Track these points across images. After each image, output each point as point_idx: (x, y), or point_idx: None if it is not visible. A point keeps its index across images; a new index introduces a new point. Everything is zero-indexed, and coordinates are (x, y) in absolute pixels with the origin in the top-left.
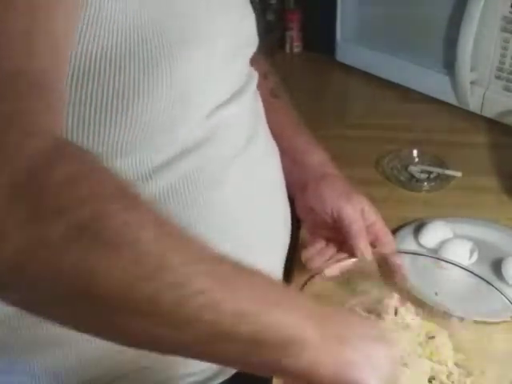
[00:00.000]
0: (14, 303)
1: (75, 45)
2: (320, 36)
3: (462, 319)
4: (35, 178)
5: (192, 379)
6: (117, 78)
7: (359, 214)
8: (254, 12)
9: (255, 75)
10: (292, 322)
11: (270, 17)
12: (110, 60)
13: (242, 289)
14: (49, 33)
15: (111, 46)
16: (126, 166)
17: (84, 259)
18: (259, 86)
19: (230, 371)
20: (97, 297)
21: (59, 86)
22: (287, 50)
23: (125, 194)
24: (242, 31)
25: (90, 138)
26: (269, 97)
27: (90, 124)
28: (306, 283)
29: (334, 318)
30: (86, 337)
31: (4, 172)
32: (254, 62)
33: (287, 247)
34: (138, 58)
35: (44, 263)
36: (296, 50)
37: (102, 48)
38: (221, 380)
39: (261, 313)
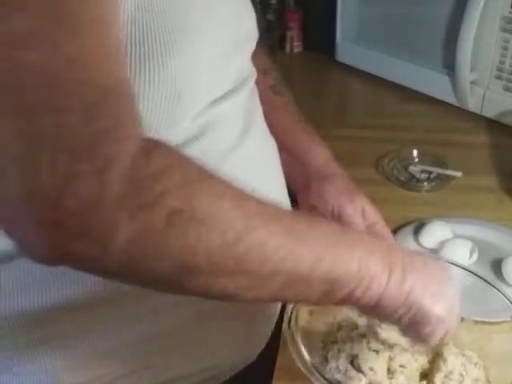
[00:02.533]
0: (127, 282)
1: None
2: (320, 36)
3: (462, 319)
4: (139, 171)
5: (193, 380)
6: None
7: (360, 213)
8: (255, 12)
9: (254, 71)
10: (361, 258)
11: (270, 17)
12: None
13: (313, 237)
14: (115, 40)
15: None
16: None
17: (185, 237)
18: (259, 83)
19: (230, 372)
20: (198, 267)
21: (132, 89)
22: (287, 49)
23: (205, 174)
24: (241, 27)
25: None
26: (270, 94)
27: None
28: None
29: (395, 251)
30: (88, 335)
31: (115, 174)
32: (254, 57)
33: None
34: (134, 51)
35: (153, 246)
36: (296, 49)
37: None
38: (221, 380)
39: (333, 255)
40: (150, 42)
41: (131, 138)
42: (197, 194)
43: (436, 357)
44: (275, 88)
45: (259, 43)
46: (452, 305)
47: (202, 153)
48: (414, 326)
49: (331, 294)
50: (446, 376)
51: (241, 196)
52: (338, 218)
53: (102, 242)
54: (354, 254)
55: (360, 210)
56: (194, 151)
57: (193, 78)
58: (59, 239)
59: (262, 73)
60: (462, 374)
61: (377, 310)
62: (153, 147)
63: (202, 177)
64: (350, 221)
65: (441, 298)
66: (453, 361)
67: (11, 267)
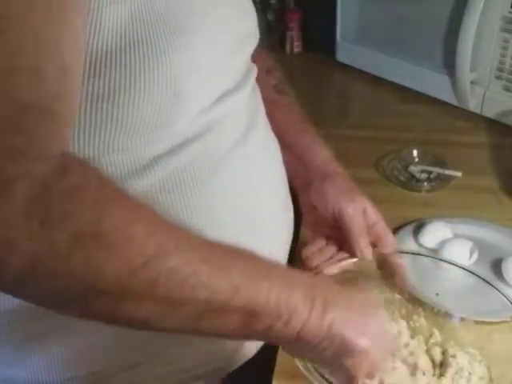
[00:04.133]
0: (31, 302)
1: (83, 62)
2: (320, 36)
3: (462, 319)
4: (47, 191)
5: (191, 373)
6: (111, 73)
7: (360, 213)
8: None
9: (254, 70)
10: (280, 292)
11: (270, 17)
12: (101, 56)
13: (232, 267)
14: (58, 60)
15: (104, 41)
16: (120, 161)
17: (88, 261)
18: (262, 82)
19: (231, 366)
20: (103, 291)
21: (70, 109)
22: (287, 49)
23: (121, 197)
24: (242, 28)
25: (82, 134)
26: (273, 93)
27: (82, 121)
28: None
29: (319, 283)
30: (86, 329)
31: (18, 192)
32: (256, 57)
33: (289, 244)
34: (130, 53)
35: (52, 269)
36: (296, 49)
37: (97, 41)
38: (222, 374)
39: (252, 286)
40: (149, 42)
41: (43, 158)
42: (106, 217)
43: (445, 353)
44: (278, 87)
45: (262, 44)
46: (376, 338)
47: (204, 152)
48: (338, 360)
49: (249, 327)
50: (456, 373)
51: (158, 222)
52: (338, 218)
53: (1, 255)
54: (274, 287)
55: (361, 209)
56: (196, 150)
57: (192, 78)
58: None
59: (264, 72)
60: (469, 372)
61: (299, 344)
62: (68, 167)
63: (117, 199)
64: (350, 220)
65: (364, 331)
66: (462, 357)
67: None
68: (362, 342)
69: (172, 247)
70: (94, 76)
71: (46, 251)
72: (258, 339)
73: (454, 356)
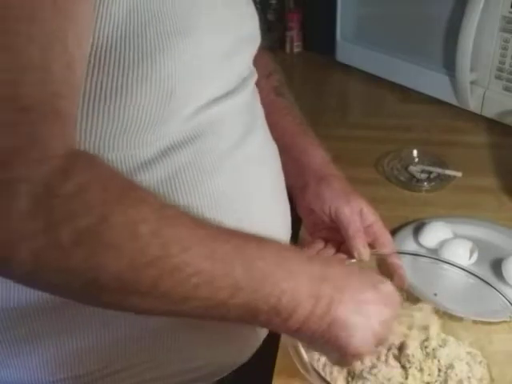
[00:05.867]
0: (40, 290)
1: (87, 57)
2: (320, 36)
3: (461, 319)
4: (51, 192)
5: (193, 375)
6: (105, 71)
7: (357, 214)
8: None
9: (255, 74)
10: (283, 291)
11: (270, 17)
12: (96, 54)
13: (237, 263)
14: (64, 57)
15: (98, 39)
16: (116, 159)
17: (89, 259)
18: (262, 85)
19: (231, 367)
20: (104, 287)
21: (74, 106)
22: (287, 49)
23: (127, 194)
24: (242, 30)
25: (82, 131)
26: (272, 95)
27: (79, 117)
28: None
29: (330, 273)
30: (79, 330)
31: (22, 194)
32: (258, 58)
33: (287, 241)
34: (128, 50)
35: (55, 264)
36: (296, 49)
37: (93, 40)
38: (222, 375)
39: (254, 285)
40: (143, 42)
41: (46, 159)
42: (111, 216)
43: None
44: (278, 90)
45: (264, 45)
46: (372, 343)
47: (202, 152)
48: (328, 352)
49: (248, 320)
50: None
51: (164, 218)
52: (335, 219)
53: (5, 253)
54: (277, 286)
55: (357, 210)
56: (193, 150)
57: (186, 79)
58: None
59: (265, 75)
60: (468, 377)
61: (296, 336)
62: (72, 167)
63: (124, 197)
64: (347, 221)
65: (363, 337)
66: (460, 367)
67: None
68: (356, 348)
69: (177, 247)
70: (88, 74)
71: (48, 249)
72: (260, 326)
73: (451, 367)
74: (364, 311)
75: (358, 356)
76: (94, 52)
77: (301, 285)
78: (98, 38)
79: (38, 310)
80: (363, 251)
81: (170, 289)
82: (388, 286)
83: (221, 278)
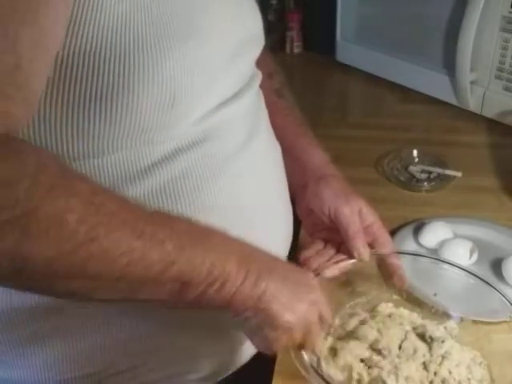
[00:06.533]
0: None
1: (61, 42)
2: (320, 36)
3: (461, 319)
4: None
5: (196, 375)
6: (106, 73)
7: (357, 214)
8: None
9: (259, 74)
10: (214, 261)
11: (271, 17)
12: (100, 53)
13: (168, 239)
14: (33, 33)
15: (102, 38)
16: (120, 160)
17: (16, 248)
18: (264, 86)
19: (233, 367)
20: (33, 274)
21: (33, 85)
22: (287, 50)
23: (58, 184)
24: (246, 31)
25: (77, 134)
26: (274, 97)
27: (77, 119)
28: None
29: (259, 255)
30: (86, 330)
31: None
32: (260, 60)
33: (289, 244)
34: (129, 52)
35: None
36: (296, 50)
37: (93, 41)
38: (224, 375)
39: (186, 257)
40: (145, 44)
41: None
42: (39, 207)
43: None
44: (279, 92)
45: (266, 46)
46: (303, 315)
47: (208, 156)
48: (260, 330)
49: (183, 295)
50: None
51: (94, 207)
52: (334, 220)
53: None
54: (208, 257)
55: (357, 210)
56: (199, 154)
57: (190, 81)
58: None
59: (267, 76)
60: (468, 378)
61: (229, 308)
62: (2, 158)
63: (53, 188)
64: (346, 221)
65: (292, 307)
66: (459, 372)
67: None
68: (287, 318)
69: (103, 230)
70: (88, 76)
71: None
72: (190, 307)
73: (450, 372)
74: (292, 287)
75: (290, 330)
76: (94, 53)
77: (231, 258)
78: (98, 39)
79: (42, 310)
80: (363, 251)
81: (99, 270)
82: (312, 279)
83: (152, 254)
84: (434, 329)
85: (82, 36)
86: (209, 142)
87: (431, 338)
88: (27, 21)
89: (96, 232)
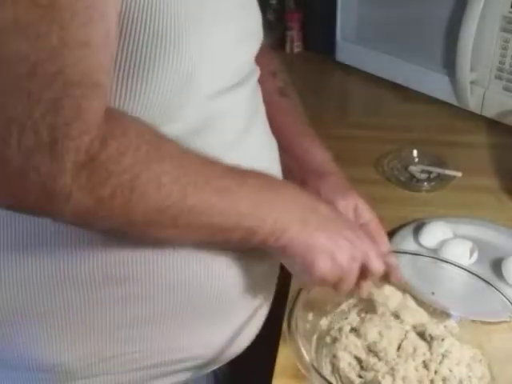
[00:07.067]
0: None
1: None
2: (320, 36)
3: (461, 319)
4: (92, 159)
5: (188, 364)
6: (125, 47)
7: (352, 210)
8: None
9: (257, 71)
10: (279, 216)
11: (271, 17)
12: (129, 23)
13: (242, 195)
14: (103, 28)
15: (133, 7)
16: None
17: (124, 206)
18: (267, 84)
19: (225, 358)
20: (135, 224)
21: (108, 77)
22: (287, 49)
23: (154, 151)
24: (246, 23)
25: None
26: (276, 96)
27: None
28: (303, 283)
29: (323, 209)
30: (84, 312)
31: (68, 161)
32: (263, 58)
33: None
34: (153, 28)
35: (98, 213)
36: (296, 50)
37: (124, 11)
38: (216, 366)
39: (256, 212)
40: (166, 25)
41: (88, 130)
42: (140, 174)
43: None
44: (283, 90)
45: (269, 44)
46: (340, 268)
47: (203, 146)
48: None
49: (248, 241)
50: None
51: (183, 169)
52: None
53: (55, 205)
54: (274, 212)
55: (352, 207)
56: (197, 144)
57: (203, 65)
58: (21, 197)
59: (271, 74)
60: (469, 376)
61: (281, 254)
62: (109, 136)
63: (150, 155)
64: None
65: (336, 261)
66: (459, 371)
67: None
68: (321, 269)
69: (192, 189)
70: (129, 45)
71: (91, 202)
72: (250, 250)
73: (451, 370)
74: (337, 242)
75: (322, 276)
76: (122, 23)
77: (294, 212)
78: (139, 11)
79: (46, 289)
80: None
81: (188, 221)
82: (361, 232)
83: (229, 209)
84: (434, 327)
85: (126, 6)
86: (204, 134)
87: (431, 337)
88: None
89: (186, 192)
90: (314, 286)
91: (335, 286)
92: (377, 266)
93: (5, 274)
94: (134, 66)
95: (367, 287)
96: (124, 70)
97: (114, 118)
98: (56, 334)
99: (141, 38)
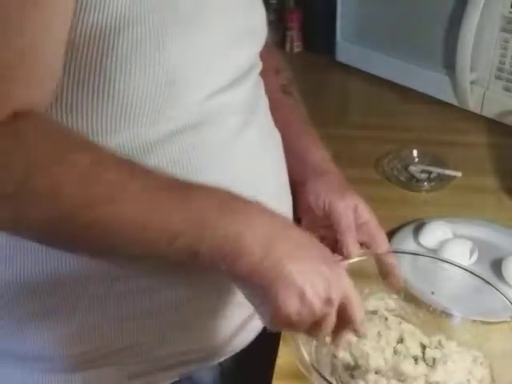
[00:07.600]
0: None
1: (72, 20)
2: (320, 36)
3: (461, 319)
4: None
5: (194, 356)
6: (110, 51)
7: (351, 210)
8: None
9: (259, 66)
10: (234, 231)
11: (271, 17)
12: (105, 32)
13: (174, 210)
14: (43, 10)
15: (108, 16)
16: (118, 140)
17: (18, 214)
18: (270, 82)
19: (232, 350)
20: (35, 231)
21: (52, 62)
22: (287, 49)
23: (59, 153)
24: (246, 21)
25: (85, 112)
26: (279, 93)
27: (84, 98)
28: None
29: (288, 235)
30: (89, 307)
31: None
32: (266, 55)
33: None
34: (133, 32)
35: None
36: (296, 49)
37: (98, 21)
38: (222, 358)
39: (193, 232)
40: (146, 28)
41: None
42: (35, 174)
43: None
44: (286, 88)
45: (273, 42)
46: (311, 311)
47: (202, 140)
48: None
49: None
50: None
51: (96, 173)
52: (328, 214)
53: None
54: (232, 225)
55: (351, 207)
56: (192, 140)
57: (188, 66)
58: None
59: (274, 72)
60: (468, 379)
61: (239, 283)
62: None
63: (50, 155)
64: (339, 216)
65: (304, 300)
66: (458, 376)
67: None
68: (286, 308)
69: (104, 198)
70: (87, 55)
71: None
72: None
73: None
74: (309, 278)
75: (287, 317)
76: (95, 32)
77: (254, 235)
78: (103, 23)
79: (45, 286)
80: (352, 247)
81: (101, 235)
82: (340, 268)
83: (158, 224)
84: (427, 343)
85: (88, 20)
86: (204, 128)
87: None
88: (37, 2)
89: (94, 201)
90: (280, 327)
91: (308, 331)
92: (357, 314)
93: (17, 266)
94: (110, 72)
95: (346, 339)
96: (100, 76)
97: (28, 119)
98: (67, 327)
99: (115, 46)
